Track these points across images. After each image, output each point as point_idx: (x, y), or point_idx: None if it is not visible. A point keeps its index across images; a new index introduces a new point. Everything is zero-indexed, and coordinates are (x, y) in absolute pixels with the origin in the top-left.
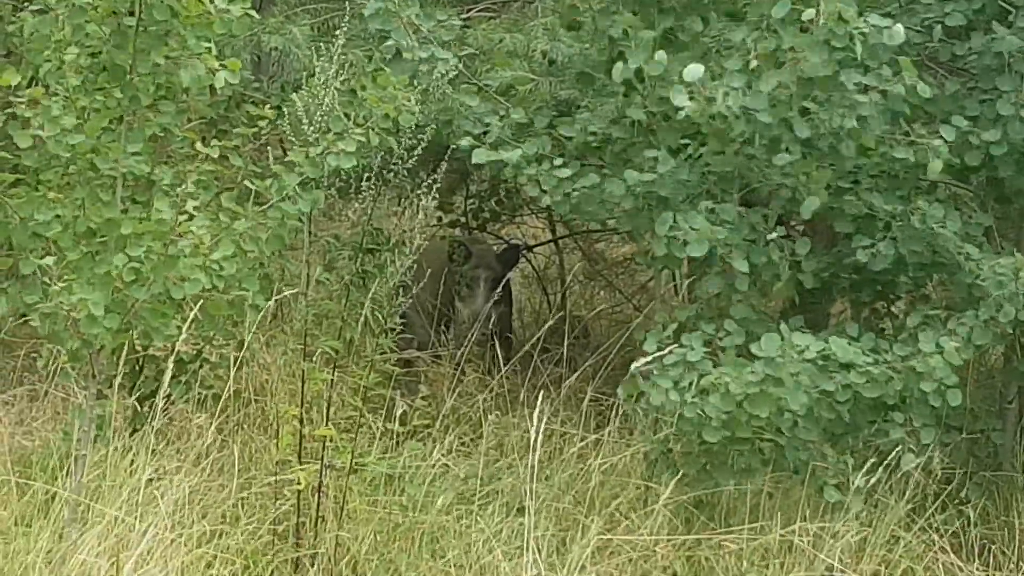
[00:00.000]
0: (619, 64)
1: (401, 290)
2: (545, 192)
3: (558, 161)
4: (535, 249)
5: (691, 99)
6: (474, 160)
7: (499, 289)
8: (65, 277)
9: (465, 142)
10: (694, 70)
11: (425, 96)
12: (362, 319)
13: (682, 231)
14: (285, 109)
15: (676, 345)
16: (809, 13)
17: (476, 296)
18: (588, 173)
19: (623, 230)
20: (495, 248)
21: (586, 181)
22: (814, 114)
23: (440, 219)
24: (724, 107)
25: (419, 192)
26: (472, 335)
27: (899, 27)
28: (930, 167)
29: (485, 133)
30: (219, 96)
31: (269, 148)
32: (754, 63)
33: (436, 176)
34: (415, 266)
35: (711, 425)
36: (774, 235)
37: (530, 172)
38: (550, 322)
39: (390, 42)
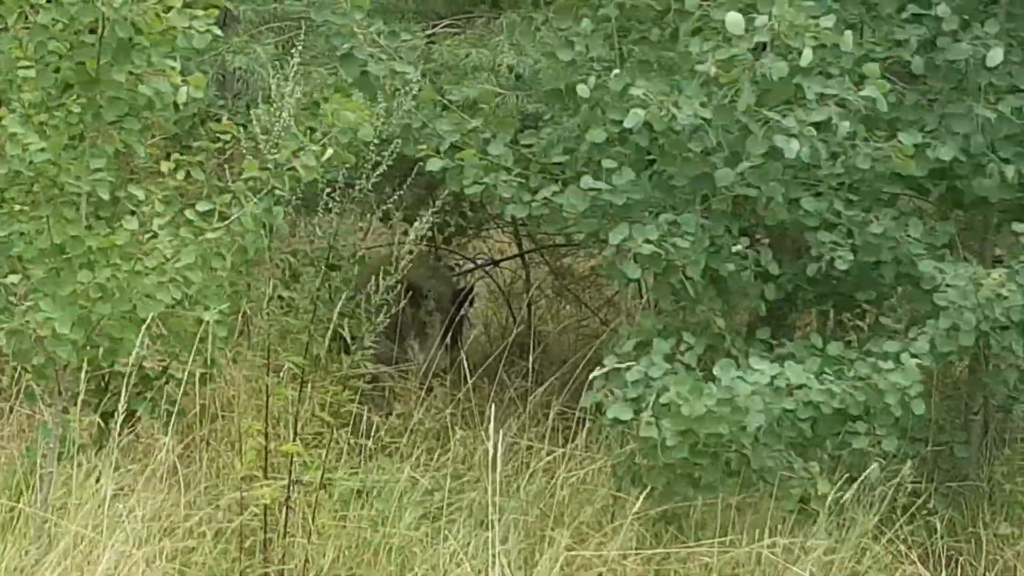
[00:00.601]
0: (582, 86)
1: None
2: (505, 201)
3: (516, 171)
4: (501, 264)
5: (646, 114)
6: (427, 167)
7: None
8: (31, 295)
9: (434, 165)
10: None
11: (389, 112)
12: (328, 334)
13: (633, 243)
14: (252, 123)
15: (636, 361)
16: (762, 19)
17: (429, 343)
18: (548, 184)
19: (587, 242)
20: (451, 279)
21: (546, 191)
22: (773, 123)
23: (406, 233)
24: (681, 121)
25: (385, 207)
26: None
27: (848, 33)
28: (901, 165)
29: (450, 147)
30: (184, 113)
31: (228, 165)
32: (712, 70)
33: (399, 194)
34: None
35: (665, 445)
36: (738, 247)
37: (488, 181)
38: (511, 337)
39: (351, 55)
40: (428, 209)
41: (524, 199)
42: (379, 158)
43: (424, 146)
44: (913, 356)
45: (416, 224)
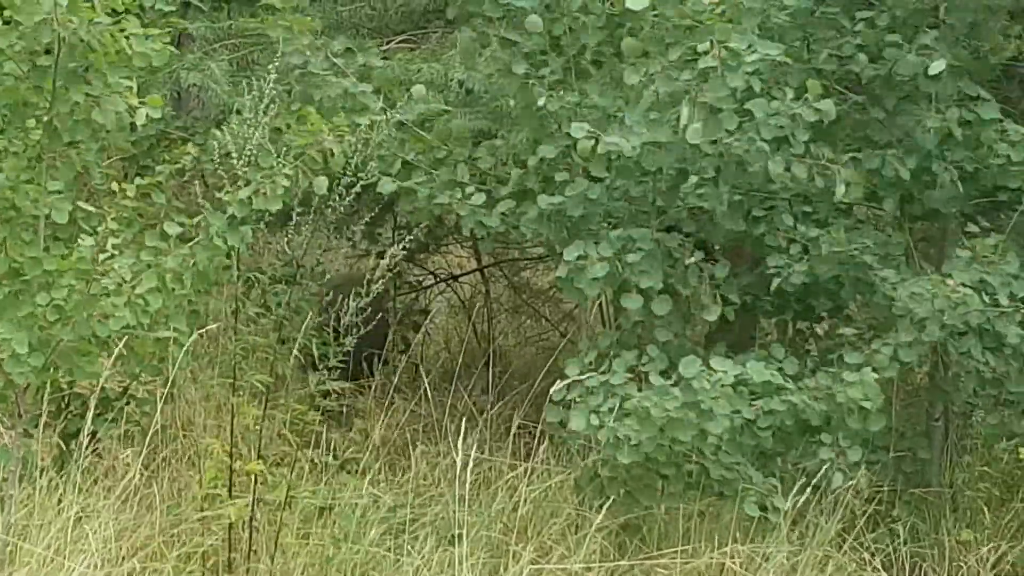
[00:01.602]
0: (542, 98)
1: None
2: (463, 218)
3: (470, 189)
4: (461, 279)
5: (591, 142)
6: (379, 190)
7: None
8: None
9: (386, 187)
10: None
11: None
12: (293, 353)
13: (587, 259)
14: (213, 143)
15: (598, 371)
16: (704, 46)
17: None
18: (504, 199)
19: (546, 255)
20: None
21: (502, 207)
22: (722, 144)
23: (367, 250)
24: (627, 153)
25: (353, 228)
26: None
27: (778, 49)
28: (836, 192)
29: (403, 166)
30: (140, 133)
31: (196, 183)
32: (660, 89)
33: (370, 215)
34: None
35: (627, 446)
36: (692, 259)
37: (442, 201)
38: (466, 351)
39: (307, 74)
40: (387, 226)
41: (481, 216)
42: (354, 179)
43: (374, 165)
44: (874, 370)
45: (392, 249)
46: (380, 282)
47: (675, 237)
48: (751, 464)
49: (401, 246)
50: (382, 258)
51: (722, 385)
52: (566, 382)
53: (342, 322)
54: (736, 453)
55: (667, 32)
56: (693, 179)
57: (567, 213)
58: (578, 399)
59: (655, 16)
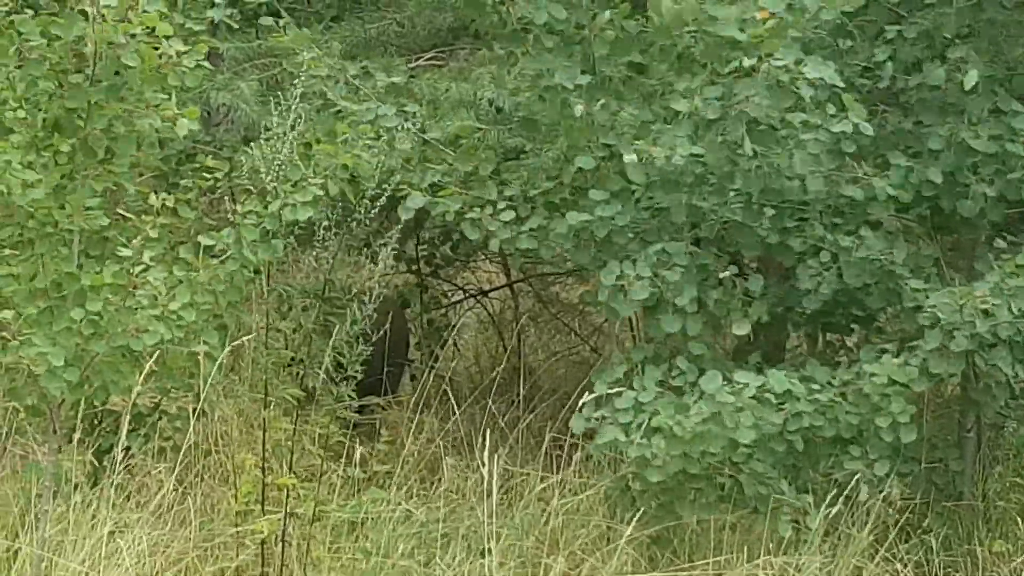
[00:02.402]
0: (579, 107)
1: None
2: (489, 235)
3: (501, 205)
4: (490, 294)
5: (637, 156)
6: (407, 205)
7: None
8: (24, 332)
9: (415, 202)
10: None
11: (384, 150)
12: (324, 367)
13: (626, 279)
14: (242, 159)
15: (627, 386)
16: (751, 61)
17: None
18: (534, 216)
19: (575, 269)
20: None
21: (531, 223)
22: (761, 157)
23: (395, 267)
24: (674, 160)
25: (380, 243)
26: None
27: (831, 69)
28: (879, 197)
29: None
30: (170, 151)
31: (227, 199)
32: (699, 104)
33: (395, 229)
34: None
35: (654, 465)
36: (726, 273)
37: (473, 216)
38: (501, 366)
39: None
40: (414, 243)
41: (511, 231)
42: (380, 191)
43: (405, 183)
44: (904, 386)
45: (383, 252)
46: (379, 290)
47: (708, 251)
48: (783, 477)
49: (391, 249)
50: (410, 272)
51: (746, 396)
52: (594, 395)
53: (351, 332)
54: (768, 460)
55: (707, 49)
56: (730, 193)
57: (595, 233)
58: (607, 415)
59: (693, 33)
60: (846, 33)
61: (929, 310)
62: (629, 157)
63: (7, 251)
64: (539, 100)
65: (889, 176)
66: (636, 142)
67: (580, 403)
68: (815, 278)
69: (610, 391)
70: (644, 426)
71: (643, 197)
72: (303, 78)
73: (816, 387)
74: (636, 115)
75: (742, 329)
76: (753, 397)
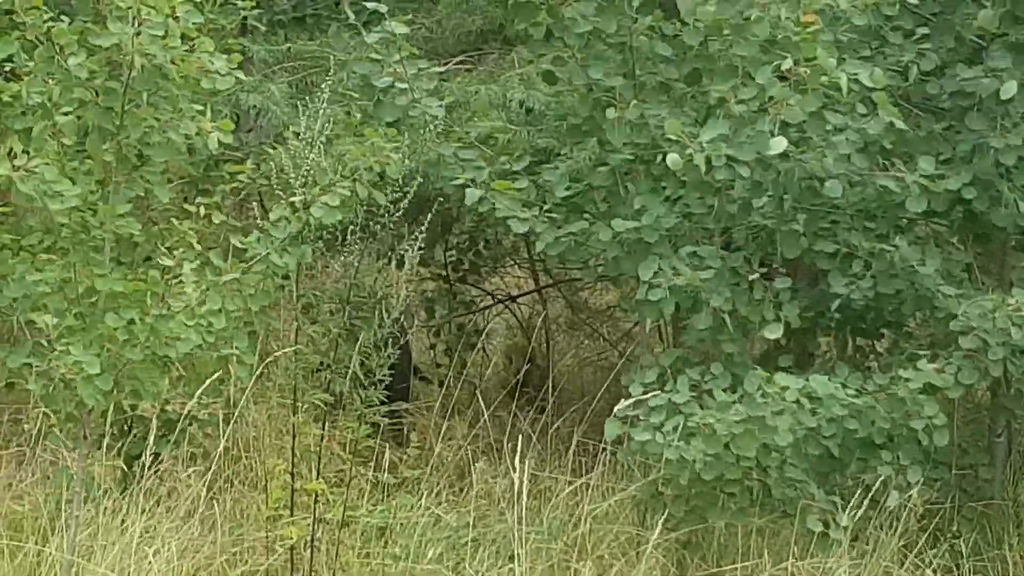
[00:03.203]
0: (609, 110)
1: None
2: (537, 237)
3: (546, 207)
4: (519, 299)
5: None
6: (467, 201)
7: None
8: (62, 340)
9: (461, 181)
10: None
11: (411, 147)
12: (351, 372)
13: (665, 277)
14: (271, 162)
15: (660, 389)
16: (788, 63)
17: None
18: (577, 220)
19: (608, 276)
20: None
21: (574, 227)
22: (794, 158)
23: (419, 272)
24: (708, 158)
25: (404, 248)
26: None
27: (878, 71)
28: (909, 202)
29: (472, 181)
30: (199, 155)
31: (255, 203)
32: (736, 109)
33: (421, 229)
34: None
35: (693, 468)
36: (755, 275)
37: (524, 216)
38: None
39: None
40: (443, 248)
41: (554, 236)
42: (402, 193)
43: (459, 178)
44: (937, 389)
45: (408, 254)
46: (406, 295)
47: (738, 254)
48: (812, 480)
49: (416, 252)
50: (434, 280)
51: (784, 399)
52: (630, 400)
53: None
54: (802, 464)
55: (745, 55)
56: (764, 197)
57: (644, 239)
58: (641, 417)
59: (728, 37)
60: (877, 36)
61: (962, 317)
62: (673, 158)
63: (41, 256)
64: (580, 101)
65: (921, 174)
66: (675, 140)
67: (615, 408)
68: (849, 285)
69: (643, 397)
70: (680, 428)
71: (673, 196)
72: (331, 80)
73: (852, 392)
74: (666, 117)
75: (774, 333)
76: (795, 400)
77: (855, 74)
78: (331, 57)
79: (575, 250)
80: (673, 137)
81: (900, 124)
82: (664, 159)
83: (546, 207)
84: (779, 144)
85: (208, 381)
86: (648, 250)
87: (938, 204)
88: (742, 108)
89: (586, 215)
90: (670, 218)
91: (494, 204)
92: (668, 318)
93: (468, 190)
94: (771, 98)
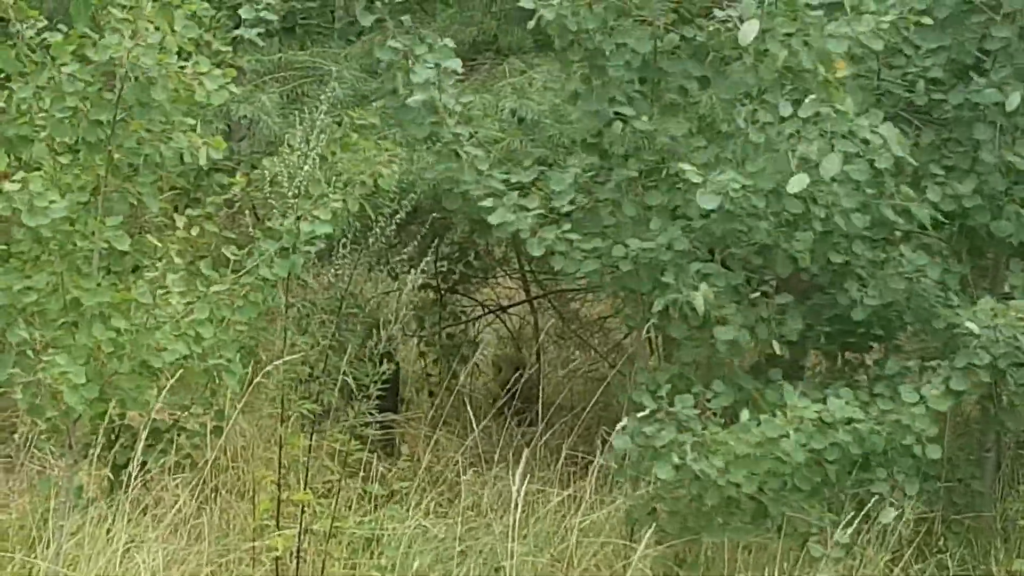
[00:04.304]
0: (616, 123)
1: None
2: (560, 255)
3: (567, 226)
4: (509, 310)
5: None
6: (493, 221)
7: None
8: (50, 351)
9: (488, 202)
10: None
11: (422, 149)
12: (339, 384)
13: (682, 295)
14: (265, 172)
15: (658, 408)
16: (813, 106)
17: None
18: (592, 238)
19: (596, 286)
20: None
21: (586, 244)
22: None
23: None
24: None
25: (399, 259)
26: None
27: (893, 132)
28: (910, 250)
29: (491, 193)
30: (190, 166)
31: (247, 213)
32: (755, 137)
33: (411, 246)
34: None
35: (716, 485)
36: (757, 293)
37: (546, 235)
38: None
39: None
40: (433, 258)
41: (568, 252)
42: (396, 207)
43: (485, 198)
44: (926, 404)
45: (411, 277)
46: (403, 313)
47: (739, 273)
48: (807, 498)
49: (420, 272)
50: (424, 290)
51: (801, 420)
52: (640, 414)
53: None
54: (804, 486)
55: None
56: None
57: (659, 258)
58: (647, 434)
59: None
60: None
61: (967, 325)
62: (705, 196)
63: (27, 265)
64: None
65: (927, 198)
66: (694, 166)
67: (618, 426)
68: (854, 295)
69: (644, 411)
70: (687, 445)
71: (678, 214)
72: (330, 91)
73: (859, 418)
74: (673, 131)
75: (775, 348)
76: (811, 420)
77: (876, 127)
78: (331, 66)
79: (590, 267)
80: (694, 179)
81: (911, 161)
82: (668, 173)
83: (567, 228)
84: (800, 182)
85: (196, 391)
86: (660, 268)
87: (946, 205)
88: (760, 136)
89: (600, 231)
90: (684, 240)
91: (515, 222)
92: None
93: (496, 212)
94: (793, 132)
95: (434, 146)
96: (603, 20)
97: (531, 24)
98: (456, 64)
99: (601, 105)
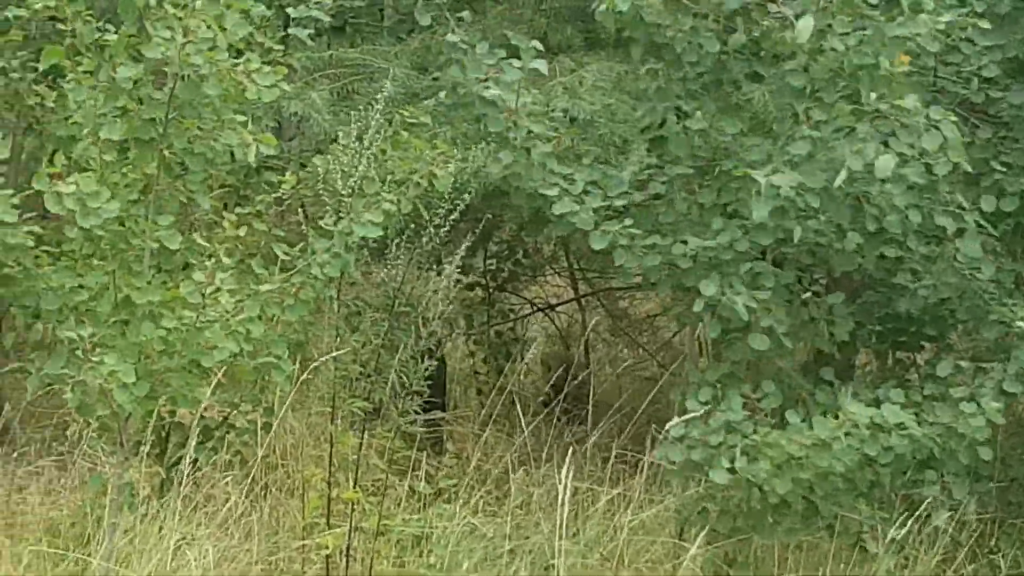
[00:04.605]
0: (670, 117)
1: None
2: (621, 250)
3: (628, 221)
4: (557, 308)
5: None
6: (556, 211)
7: None
8: (98, 350)
9: (561, 207)
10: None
11: (476, 149)
12: (390, 382)
13: (726, 296)
14: (318, 169)
15: (709, 408)
16: (874, 102)
17: None
18: (650, 235)
19: (645, 284)
20: None
21: (646, 240)
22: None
23: (459, 281)
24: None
25: (450, 258)
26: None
27: (955, 133)
28: (965, 243)
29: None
30: (240, 163)
31: (300, 211)
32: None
33: (463, 246)
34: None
35: (767, 487)
36: (808, 294)
37: (610, 228)
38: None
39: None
40: (482, 256)
41: (631, 248)
42: (451, 207)
43: (553, 192)
44: (981, 410)
45: (448, 269)
46: (445, 306)
47: (790, 272)
48: (859, 500)
49: (456, 266)
50: (471, 289)
51: (854, 425)
52: (684, 418)
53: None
54: (856, 490)
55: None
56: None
57: (720, 257)
58: (697, 436)
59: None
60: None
61: (1018, 325)
62: (759, 202)
63: (78, 264)
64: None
65: (979, 207)
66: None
67: (668, 426)
68: (914, 284)
69: (697, 413)
70: (739, 448)
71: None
72: (386, 90)
73: (913, 424)
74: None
75: (825, 348)
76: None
77: (937, 121)
78: (381, 64)
79: (652, 262)
80: (758, 179)
81: (967, 167)
82: (720, 171)
83: (627, 223)
84: (887, 164)
85: (245, 388)
86: (718, 268)
87: (1006, 205)
88: (815, 132)
89: (656, 228)
90: (744, 241)
91: (578, 215)
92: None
93: (560, 201)
94: (849, 129)
95: (499, 143)
96: (674, 15)
97: (601, 7)
98: (542, 66)
99: (662, 102)
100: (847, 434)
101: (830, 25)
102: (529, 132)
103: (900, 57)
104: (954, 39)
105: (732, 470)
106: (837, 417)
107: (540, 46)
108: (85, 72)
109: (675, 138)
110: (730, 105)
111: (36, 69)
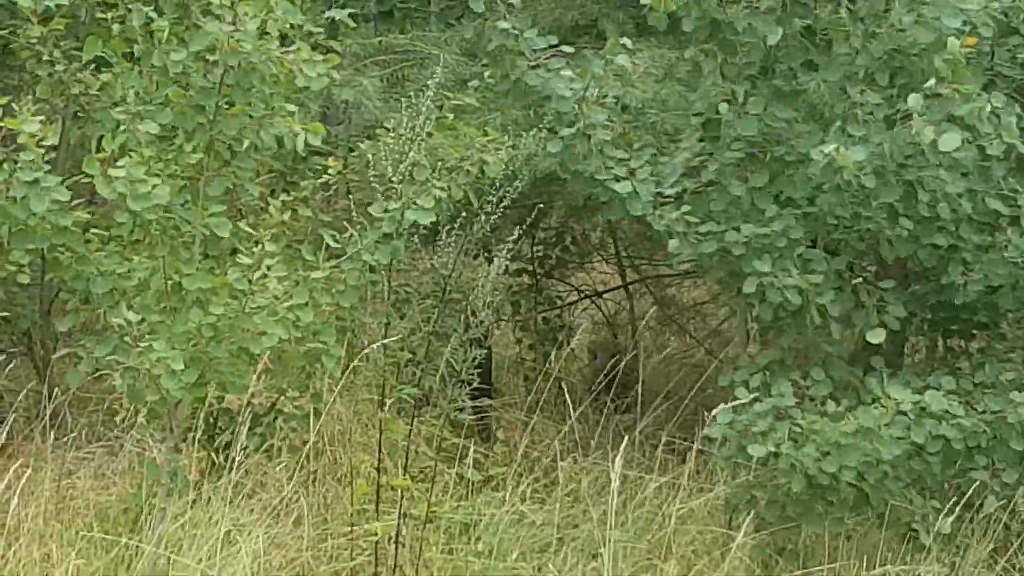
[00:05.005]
0: (723, 105)
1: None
2: (680, 235)
3: (685, 208)
4: (605, 295)
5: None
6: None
7: None
8: (147, 336)
9: (622, 187)
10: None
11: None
12: (439, 370)
13: (777, 279)
14: (368, 155)
15: (759, 393)
16: (933, 85)
17: None
18: (708, 221)
19: (693, 271)
20: None
21: (702, 228)
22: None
23: (507, 268)
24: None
25: (500, 246)
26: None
27: (1012, 117)
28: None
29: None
30: (286, 149)
31: (349, 197)
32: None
33: (515, 234)
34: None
35: (806, 473)
36: (859, 280)
37: (670, 215)
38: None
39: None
40: (530, 243)
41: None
42: (502, 194)
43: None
44: None
45: (498, 258)
46: (494, 294)
47: (842, 259)
48: (911, 487)
49: (506, 256)
50: (518, 276)
51: (900, 412)
52: (732, 404)
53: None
54: (904, 479)
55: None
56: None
57: (775, 244)
58: (745, 422)
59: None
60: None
61: None
62: (818, 161)
63: (127, 248)
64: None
65: None
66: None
67: (714, 412)
68: (958, 279)
69: (744, 400)
70: (786, 433)
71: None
72: (437, 75)
73: (960, 413)
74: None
75: (877, 338)
76: (905, 413)
77: (997, 108)
78: (431, 50)
79: (708, 249)
80: (816, 156)
81: (1021, 149)
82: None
83: (684, 209)
84: (954, 140)
85: (293, 375)
86: (771, 254)
87: None
88: (870, 116)
89: (708, 215)
90: (799, 229)
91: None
92: (752, 316)
93: (621, 183)
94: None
95: (553, 129)
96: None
97: None
98: (625, 60)
99: (717, 87)
100: (888, 424)
101: (888, 9)
102: (595, 122)
103: (967, 39)
104: (1012, 22)
105: (776, 454)
106: (882, 404)
107: (628, 43)
108: (126, 55)
109: (726, 122)
110: (783, 92)
111: (79, 59)
